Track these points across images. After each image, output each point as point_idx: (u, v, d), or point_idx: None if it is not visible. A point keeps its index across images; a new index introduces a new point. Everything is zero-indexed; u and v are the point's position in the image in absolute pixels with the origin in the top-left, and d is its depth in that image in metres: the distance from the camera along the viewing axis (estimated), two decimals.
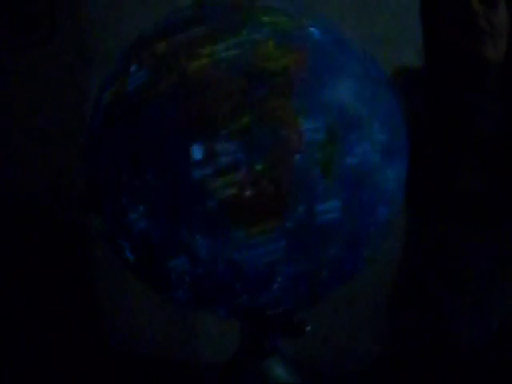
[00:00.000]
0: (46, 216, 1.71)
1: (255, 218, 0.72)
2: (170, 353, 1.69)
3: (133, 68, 0.78)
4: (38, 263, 1.67)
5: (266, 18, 0.78)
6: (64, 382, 1.38)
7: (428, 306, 1.17)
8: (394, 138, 0.82)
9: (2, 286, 1.61)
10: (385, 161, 0.79)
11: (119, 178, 0.76)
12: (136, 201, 0.75)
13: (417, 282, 1.20)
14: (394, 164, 0.81)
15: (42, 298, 1.66)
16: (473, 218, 1.13)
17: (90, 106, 0.83)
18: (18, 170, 1.75)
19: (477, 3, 1.07)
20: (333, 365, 1.59)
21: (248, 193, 0.71)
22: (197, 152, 0.71)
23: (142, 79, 0.76)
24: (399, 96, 0.87)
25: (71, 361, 1.50)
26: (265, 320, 0.85)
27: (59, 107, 1.78)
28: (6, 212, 1.69)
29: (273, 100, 0.72)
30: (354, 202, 0.76)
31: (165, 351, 1.68)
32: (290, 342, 0.88)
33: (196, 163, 0.71)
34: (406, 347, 1.18)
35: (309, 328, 0.90)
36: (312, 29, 0.79)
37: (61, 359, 1.51)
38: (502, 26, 1.09)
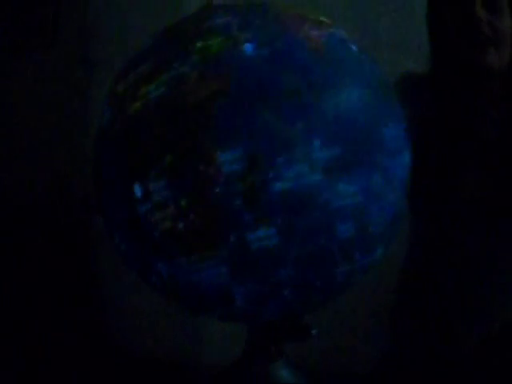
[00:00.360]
0: (49, 217, 1.76)
1: (191, 247, 0.77)
2: (174, 355, 1.72)
3: (105, 108, 0.87)
4: (42, 263, 1.74)
5: (199, 44, 0.78)
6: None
7: (430, 308, 1.16)
8: (354, 148, 0.76)
9: (5, 287, 1.65)
10: (334, 177, 0.75)
11: (101, 207, 0.87)
12: (114, 228, 0.86)
13: (419, 284, 1.19)
14: (352, 177, 0.76)
15: (46, 299, 1.73)
16: (475, 223, 1.13)
17: (91, 111, 0.90)
18: (21, 173, 1.78)
19: (481, 10, 1.06)
20: (336, 368, 1.57)
21: (180, 225, 0.76)
22: (137, 190, 0.78)
23: (106, 120, 0.84)
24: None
25: (74, 362, 1.58)
26: (269, 324, 0.88)
27: (61, 112, 1.79)
28: (10, 214, 1.73)
29: (192, 135, 0.74)
30: (295, 226, 0.74)
31: (169, 354, 1.72)
32: (295, 345, 0.91)
33: (139, 200, 0.78)
34: (408, 349, 1.16)
35: (315, 332, 0.91)
36: (246, 45, 0.77)
37: (63, 362, 1.59)
38: (506, 33, 1.08)
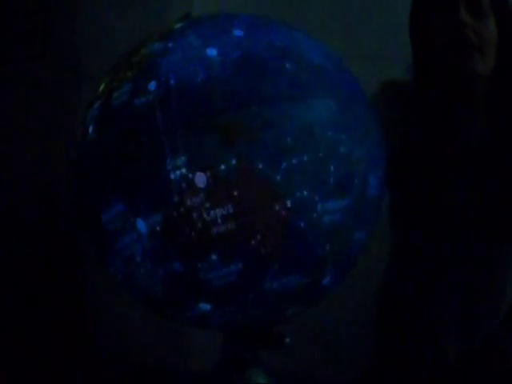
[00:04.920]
0: (36, 227, 1.63)
1: None
2: (160, 365, 1.54)
3: None
4: (28, 268, 1.60)
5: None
6: None
7: (411, 321, 1.15)
8: None
9: None
10: None
11: None
12: None
13: (401, 296, 1.17)
14: None
15: (31, 307, 1.59)
16: (456, 233, 1.11)
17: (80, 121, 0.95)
18: (8, 182, 1.68)
19: (465, 15, 1.05)
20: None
21: None
22: None
23: None
24: None
25: (59, 372, 1.44)
26: (244, 331, 0.95)
27: (50, 122, 1.66)
28: None
29: None
30: None
31: (155, 363, 1.55)
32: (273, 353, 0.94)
33: None
34: (390, 363, 1.15)
35: (288, 340, 0.93)
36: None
37: (48, 372, 1.45)
38: (490, 38, 1.07)
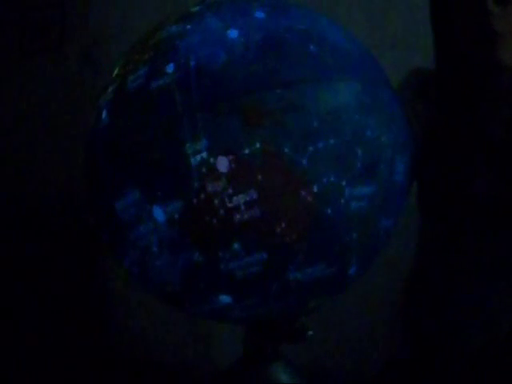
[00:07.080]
0: (55, 220, 1.64)
1: None
2: (182, 358, 1.52)
3: None
4: (47, 265, 1.61)
5: None
6: None
7: (439, 309, 1.12)
8: None
9: (7, 288, 1.58)
10: None
11: None
12: None
13: (429, 285, 1.14)
14: None
15: (50, 299, 1.59)
16: (484, 223, 1.08)
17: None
18: (25, 175, 1.74)
19: (493, 4, 1.02)
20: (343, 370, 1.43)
21: None
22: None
23: None
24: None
25: (78, 366, 1.42)
26: (267, 325, 0.92)
27: (67, 113, 1.72)
28: (15, 217, 1.67)
29: None
30: None
31: (176, 356, 1.53)
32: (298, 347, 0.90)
33: None
34: (416, 352, 1.12)
35: (311, 333, 0.90)
36: None
37: (67, 365, 1.43)
38: None
